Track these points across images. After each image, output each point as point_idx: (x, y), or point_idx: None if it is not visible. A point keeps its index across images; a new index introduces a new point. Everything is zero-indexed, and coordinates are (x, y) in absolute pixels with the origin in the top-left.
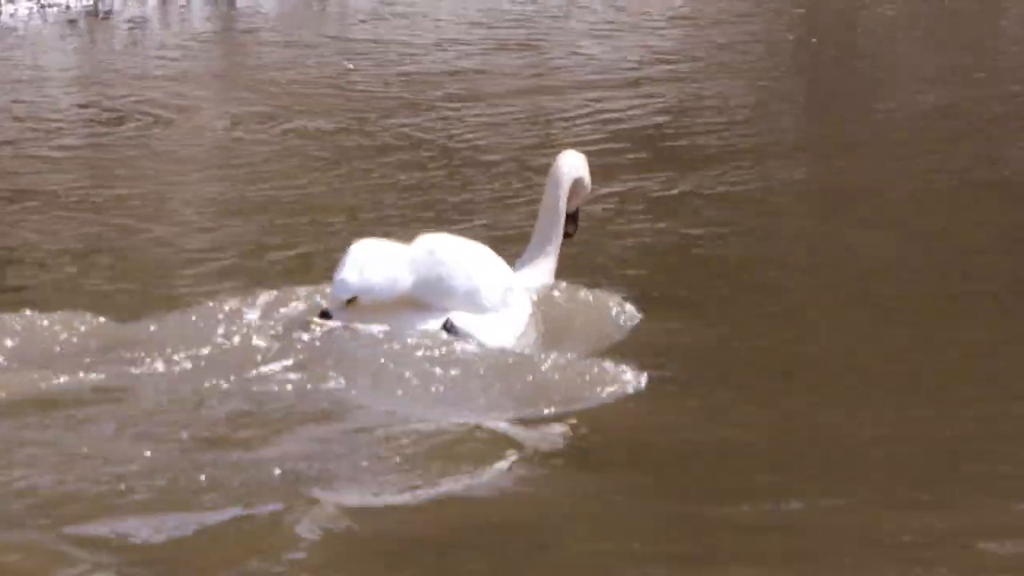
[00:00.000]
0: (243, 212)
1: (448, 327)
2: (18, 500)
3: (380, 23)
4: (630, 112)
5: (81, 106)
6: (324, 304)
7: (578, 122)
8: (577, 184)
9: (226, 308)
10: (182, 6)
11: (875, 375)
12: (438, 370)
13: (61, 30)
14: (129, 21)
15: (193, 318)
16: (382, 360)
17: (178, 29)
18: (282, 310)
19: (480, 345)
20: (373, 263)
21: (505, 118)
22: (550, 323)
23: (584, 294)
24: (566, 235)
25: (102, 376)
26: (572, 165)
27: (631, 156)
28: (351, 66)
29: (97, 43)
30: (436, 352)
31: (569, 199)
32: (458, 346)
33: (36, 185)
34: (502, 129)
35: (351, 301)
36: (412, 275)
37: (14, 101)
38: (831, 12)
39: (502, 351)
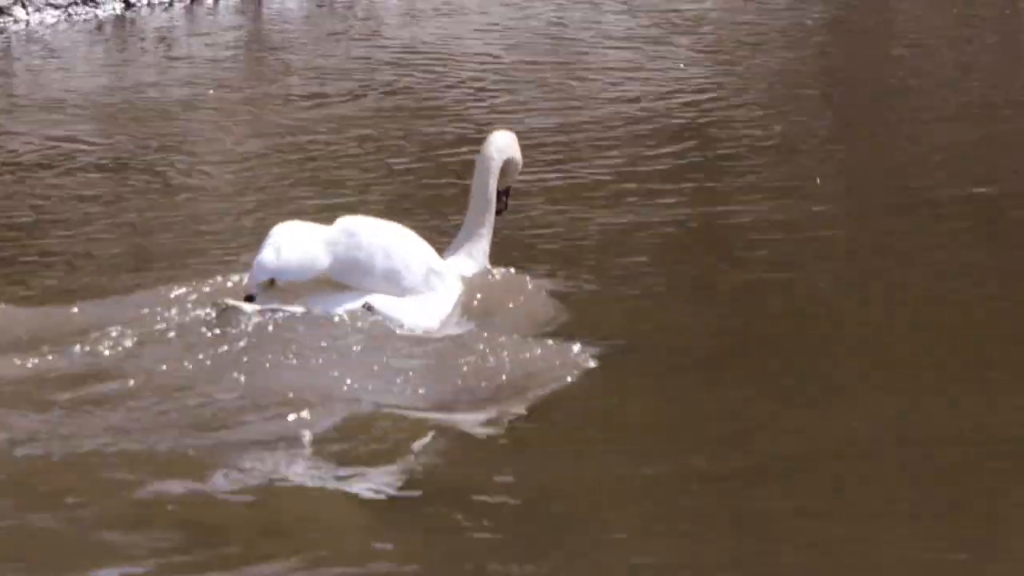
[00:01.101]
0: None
1: (367, 308)
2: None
3: (407, 32)
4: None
5: (108, 106)
6: (246, 288)
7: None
8: (508, 164)
9: (170, 294)
10: (209, 12)
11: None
12: (364, 353)
13: (89, 37)
14: (157, 29)
15: (139, 305)
16: (303, 342)
17: (205, 35)
18: (216, 295)
19: (402, 327)
20: (290, 244)
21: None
22: (483, 306)
23: (520, 278)
24: (497, 212)
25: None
26: (501, 146)
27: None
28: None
29: (126, 50)
30: (361, 335)
31: (502, 179)
32: (383, 328)
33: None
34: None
35: (271, 283)
36: (329, 256)
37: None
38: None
39: (429, 332)
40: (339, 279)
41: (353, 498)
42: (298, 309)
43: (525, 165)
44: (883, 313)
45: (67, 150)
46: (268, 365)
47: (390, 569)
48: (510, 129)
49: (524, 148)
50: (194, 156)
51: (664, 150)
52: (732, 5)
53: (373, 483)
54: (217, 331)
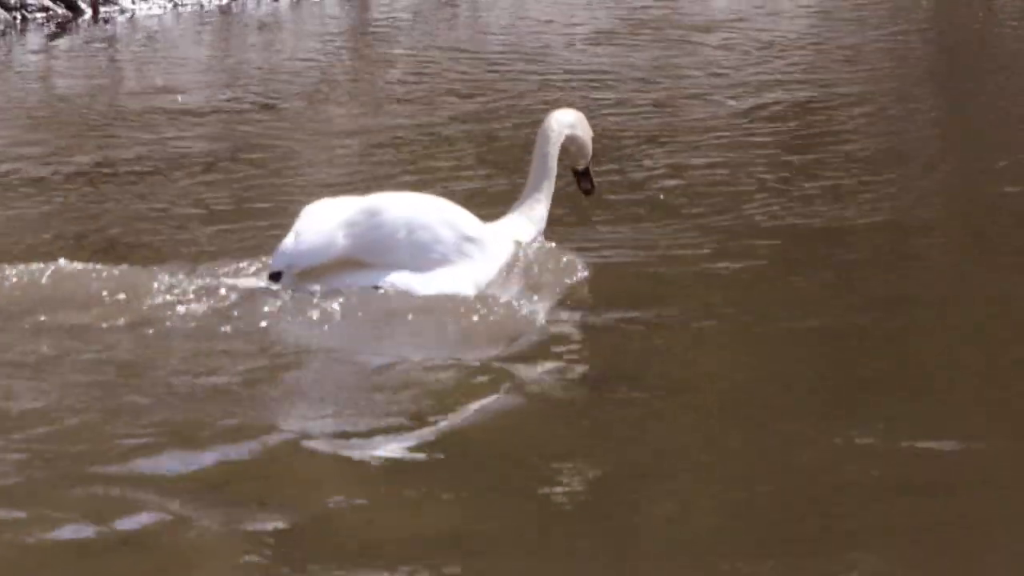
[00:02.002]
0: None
1: (375, 288)
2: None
3: (512, 27)
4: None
5: (213, 101)
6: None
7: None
8: (572, 141)
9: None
10: (315, 3)
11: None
12: (383, 322)
13: (194, 26)
14: (260, 20)
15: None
16: (332, 315)
17: (309, 28)
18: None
19: (428, 297)
20: (310, 229)
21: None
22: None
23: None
24: (586, 192)
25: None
26: (563, 120)
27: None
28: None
29: (230, 40)
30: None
31: (571, 157)
32: (403, 299)
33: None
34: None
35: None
36: (348, 237)
37: (148, 94)
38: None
39: (451, 297)
40: (363, 259)
41: (393, 460)
42: (315, 287)
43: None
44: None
45: (176, 142)
46: (288, 339)
47: (438, 529)
48: (575, 108)
49: (630, 139)
50: (295, 144)
51: (765, 152)
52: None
53: (406, 444)
54: (243, 308)
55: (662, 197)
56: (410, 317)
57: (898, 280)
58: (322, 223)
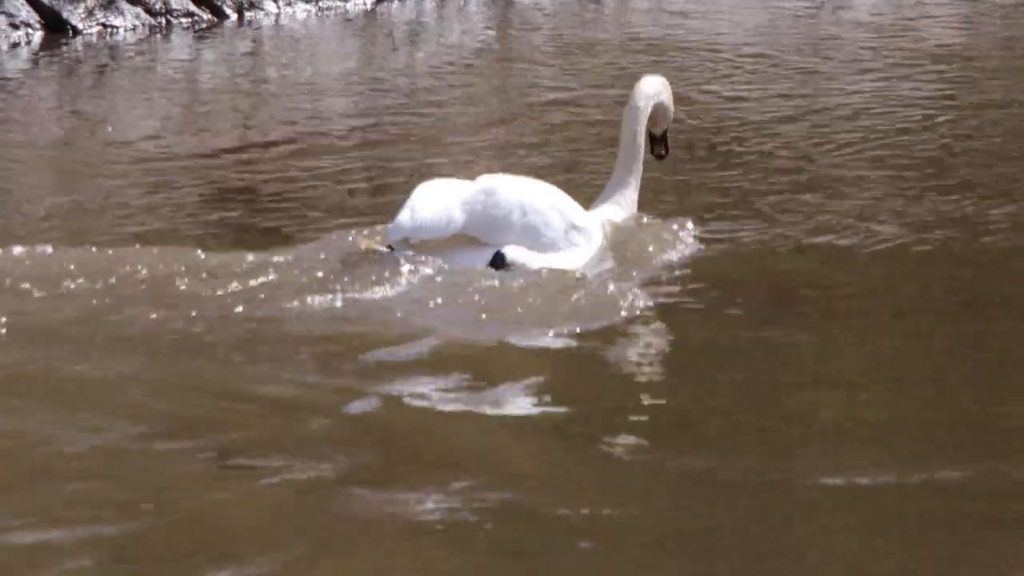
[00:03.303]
0: None
1: (498, 262)
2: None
3: (656, 24)
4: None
5: (356, 106)
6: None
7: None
8: (659, 109)
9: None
10: (460, 7)
11: None
12: (478, 295)
13: (339, 29)
14: (405, 22)
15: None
16: (433, 284)
17: (455, 30)
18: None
19: (539, 276)
20: (427, 204)
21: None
22: (628, 253)
23: (669, 226)
24: (658, 157)
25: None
26: (651, 90)
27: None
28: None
29: (375, 41)
30: (478, 281)
31: (653, 123)
32: (503, 277)
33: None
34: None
35: (406, 242)
36: (465, 214)
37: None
38: None
39: (547, 274)
40: (477, 236)
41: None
42: (432, 259)
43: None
44: None
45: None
46: (402, 305)
47: (542, 489)
48: (661, 75)
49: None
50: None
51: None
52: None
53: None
54: (364, 273)
55: (774, 188)
56: (522, 293)
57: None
58: (438, 199)
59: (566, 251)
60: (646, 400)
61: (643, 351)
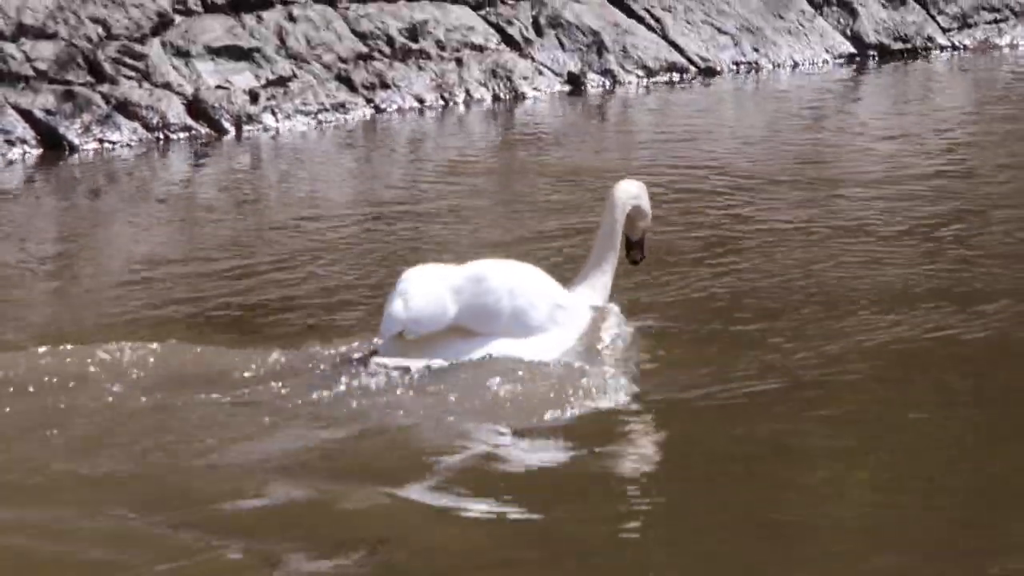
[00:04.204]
0: None
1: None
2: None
3: (660, 124)
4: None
5: (355, 212)
6: (376, 341)
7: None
8: (636, 211)
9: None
10: (461, 118)
11: None
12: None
13: (339, 142)
14: (407, 135)
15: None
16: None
17: (455, 142)
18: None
19: (527, 366)
20: (419, 294)
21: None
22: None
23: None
24: (633, 262)
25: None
26: (628, 192)
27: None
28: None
29: (373, 153)
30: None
31: (631, 227)
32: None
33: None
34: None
35: (400, 334)
36: (456, 304)
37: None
38: None
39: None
40: (467, 326)
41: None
42: (432, 361)
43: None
44: None
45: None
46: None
47: None
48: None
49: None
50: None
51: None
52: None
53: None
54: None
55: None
56: (503, 385)
57: None
58: (429, 289)
59: (552, 332)
60: (631, 501)
61: (627, 450)
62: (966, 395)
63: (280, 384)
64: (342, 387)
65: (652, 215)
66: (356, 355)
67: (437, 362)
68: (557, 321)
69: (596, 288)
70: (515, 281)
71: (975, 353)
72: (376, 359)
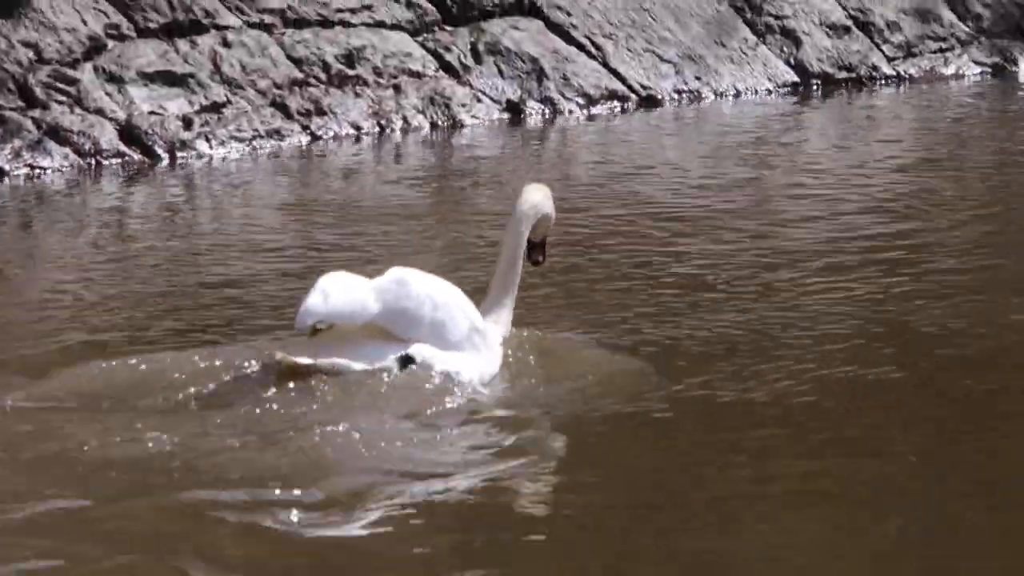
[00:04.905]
0: None
1: (404, 360)
2: None
3: (598, 155)
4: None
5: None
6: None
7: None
8: (542, 219)
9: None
10: (397, 146)
11: None
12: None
13: (273, 170)
14: (339, 163)
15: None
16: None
17: (392, 168)
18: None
19: (447, 379)
20: (339, 291)
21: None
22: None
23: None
24: (534, 263)
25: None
26: (532, 203)
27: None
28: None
29: (308, 182)
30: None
31: (534, 231)
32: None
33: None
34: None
35: (317, 331)
36: (378, 303)
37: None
38: None
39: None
40: (387, 327)
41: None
42: (345, 362)
43: None
44: None
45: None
46: (315, 425)
47: None
48: (544, 183)
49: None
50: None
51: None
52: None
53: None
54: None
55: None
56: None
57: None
58: (349, 287)
59: (469, 352)
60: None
61: (549, 468)
62: (899, 430)
63: (203, 392)
64: (261, 395)
65: (554, 215)
66: (268, 354)
67: (343, 362)
68: (475, 344)
69: (500, 323)
70: (437, 292)
71: (909, 390)
72: (279, 354)
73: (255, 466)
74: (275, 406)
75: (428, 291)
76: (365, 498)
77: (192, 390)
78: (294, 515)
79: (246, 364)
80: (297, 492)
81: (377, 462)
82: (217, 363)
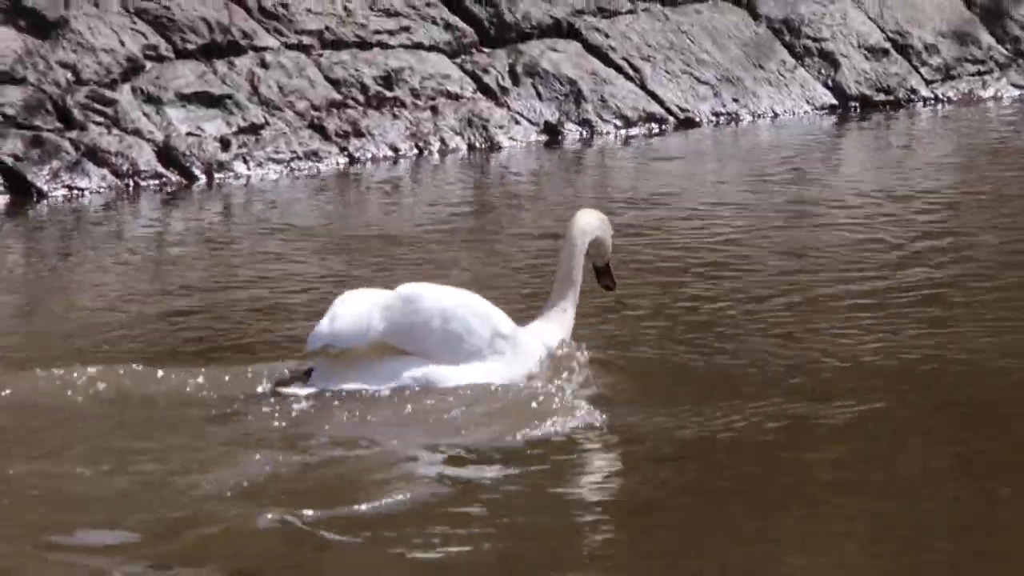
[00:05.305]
0: None
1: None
2: None
3: (637, 180)
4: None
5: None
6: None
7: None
8: (597, 243)
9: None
10: (435, 167)
11: None
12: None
13: (311, 191)
14: (382, 182)
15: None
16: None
17: (430, 190)
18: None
19: (453, 391)
20: (346, 312)
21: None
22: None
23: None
24: (606, 287)
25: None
26: (584, 227)
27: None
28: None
29: (347, 203)
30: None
31: (595, 254)
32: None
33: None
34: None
35: (326, 351)
36: (384, 322)
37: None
38: None
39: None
40: (396, 344)
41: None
42: (349, 386)
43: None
44: None
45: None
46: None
47: None
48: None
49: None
50: None
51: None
52: None
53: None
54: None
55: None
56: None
57: None
58: (357, 307)
59: (492, 360)
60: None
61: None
62: (940, 461)
63: (228, 412)
64: (275, 413)
65: (611, 240)
66: (280, 379)
67: (348, 386)
68: (498, 351)
69: (554, 324)
70: (449, 305)
71: (958, 420)
72: (281, 388)
73: (287, 486)
74: (290, 424)
75: (438, 305)
76: (384, 514)
77: (228, 409)
78: (324, 532)
79: (277, 381)
80: (322, 510)
81: (383, 478)
82: (249, 377)
